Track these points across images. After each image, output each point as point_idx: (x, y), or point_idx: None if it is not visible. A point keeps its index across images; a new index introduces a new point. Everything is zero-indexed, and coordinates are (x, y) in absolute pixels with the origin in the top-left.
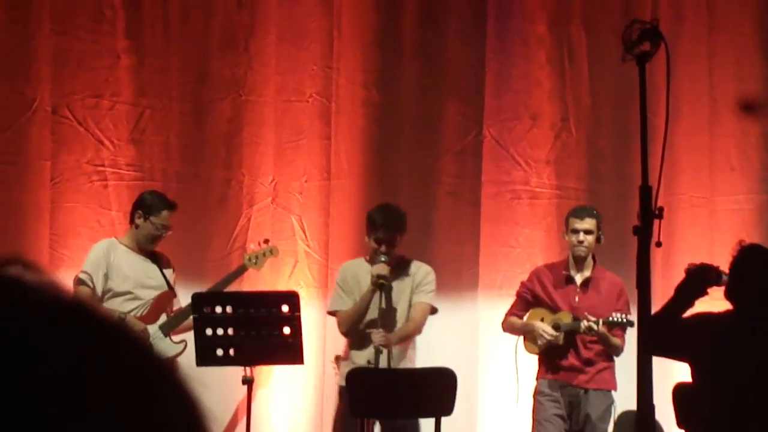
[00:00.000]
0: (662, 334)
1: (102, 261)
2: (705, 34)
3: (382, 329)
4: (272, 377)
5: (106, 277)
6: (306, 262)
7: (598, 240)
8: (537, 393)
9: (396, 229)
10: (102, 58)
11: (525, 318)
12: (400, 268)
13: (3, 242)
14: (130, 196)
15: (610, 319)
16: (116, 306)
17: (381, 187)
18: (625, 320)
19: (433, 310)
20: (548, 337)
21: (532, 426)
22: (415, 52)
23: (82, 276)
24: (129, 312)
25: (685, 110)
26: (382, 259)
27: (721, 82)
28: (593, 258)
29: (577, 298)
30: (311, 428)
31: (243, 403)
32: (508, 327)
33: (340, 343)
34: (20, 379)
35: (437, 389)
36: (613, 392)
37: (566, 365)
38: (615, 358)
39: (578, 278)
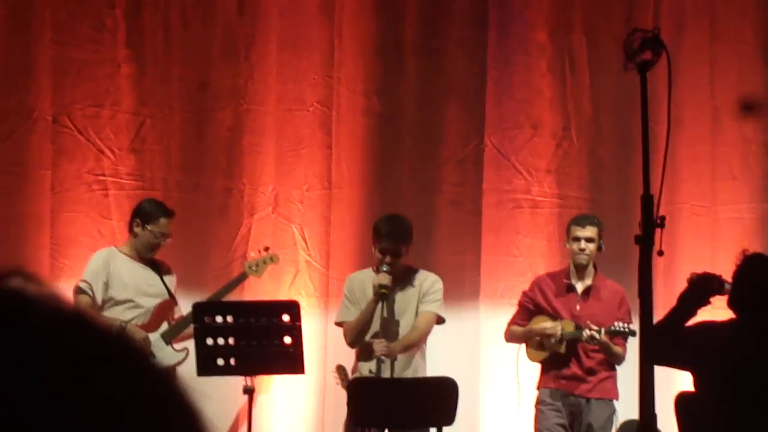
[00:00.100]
0: (665, 344)
1: (102, 270)
2: (706, 43)
3: (384, 339)
4: (273, 387)
5: (107, 285)
6: (307, 272)
7: (599, 248)
8: (539, 402)
9: (400, 239)
10: (103, 67)
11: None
12: (406, 277)
13: (3, 251)
14: (130, 206)
15: (612, 327)
16: (117, 314)
17: (382, 196)
18: (626, 329)
19: (440, 320)
20: (551, 331)
21: None
22: (415, 60)
23: (82, 285)
24: (130, 320)
25: (686, 119)
26: (385, 269)
27: (722, 91)
28: (594, 266)
29: (578, 307)
30: None
31: (244, 412)
32: (510, 336)
33: (341, 353)
34: (21, 390)
35: (439, 398)
36: (614, 401)
37: (568, 374)
38: (617, 367)
39: (579, 287)
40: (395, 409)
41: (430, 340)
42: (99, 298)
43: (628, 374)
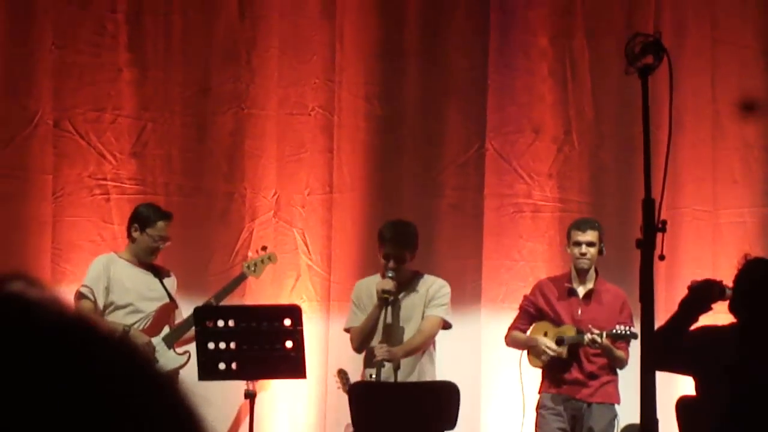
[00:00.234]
0: (666, 350)
1: (102, 275)
2: (707, 47)
3: (385, 344)
4: (274, 391)
5: (108, 290)
6: (308, 276)
7: (600, 252)
8: (540, 407)
9: (403, 244)
10: (104, 71)
11: (529, 332)
12: (412, 283)
13: (5, 256)
14: (132, 210)
15: (614, 331)
16: (119, 319)
17: (383, 201)
18: (628, 332)
19: (447, 325)
20: (551, 353)
21: None
22: (417, 64)
23: (84, 290)
24: (132, 325)
25: (687, 123)
26: (390, 274)
27: (723, 95)
28: (595, 270)
29: (579, 311)
30: None
31: (245, 416)
32: (511, 341)
33: (342, 357)
34: (25, 395)
35: (440, 403)
36: (616, 406)
37: (570, 379)
38: (618, 372)
39: (581, 291)
40: (397, 414)
41: None
42: (100, 303)
43: (629, 378)
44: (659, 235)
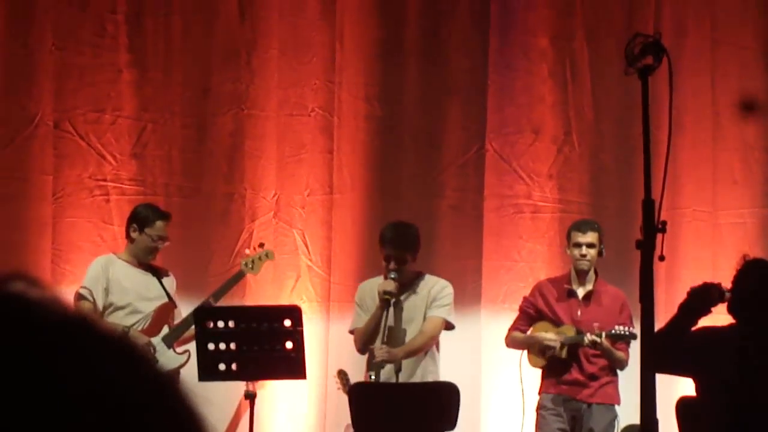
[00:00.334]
0: (666, 354)
1: (101, 276)
2: (707, 48)
3: (385, 345)
4: (275, 392)
5: (107, 291)
6: (308, 277)
7: (600, 253)
8: (540, 407)
9: (403, 246)
10: (104, 72)
11: (529, 332)
12: (414, 284)
13: (5, 257)
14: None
15: (613, 332)
16: (118, 320)
17: (383, 201)
18: (628, 333)
19: (449, 326)
20: (552, 344)
21: None
22: (417, 65)
23: (83, 291)
24: (131, 326)
25: (687, 124)
26: (392, 276)
27: (723, 96)
28: (595, 271)
29: (579, 312)
30: None
31: (245, 417)
32: (511, 342)
33: (342, 358)
34: (26, 393)
35: (440, 403)
36: (616, 406)
37: (569, 380)
38: (618, 372)
39: (580, 292)
40: (397, 414)
41: None
42: (100, 304)
43: (629, 379)
44: (659, 236)
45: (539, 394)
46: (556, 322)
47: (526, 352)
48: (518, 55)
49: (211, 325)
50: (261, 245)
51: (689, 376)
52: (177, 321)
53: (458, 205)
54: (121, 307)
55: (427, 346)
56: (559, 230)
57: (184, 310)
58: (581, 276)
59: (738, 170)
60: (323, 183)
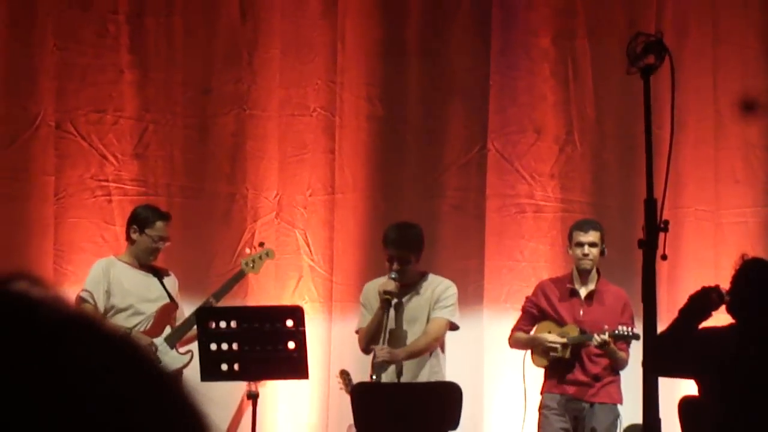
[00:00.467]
0: (666, 357)
1: (102, 278)
2: (709, 47)
3: (386, 345)
4: (277, 392)
5: (108, 293)
6: (310, 277)
7: (602, 253)
8: (542, 407)
9: (405, 246)
10: (105, 72)
11: (532, 332)
12: (418, 284)
13: (7, 257)
14: None
15: (616, 332)
16: (120, 322)
17: (385, 201)
18: (630, 333)
19: (454, 327)
20: (556, 345)
21: None
22: (419, 65)
23: (84, 294)
24: (133, 327)
25: (689, 123)
26: (394, 276)
27: (725, 95)
28: (597, 271)
29: (581, 311)
30: None
31: (248, 417)
32: (514, 342)
33: (344, 358)
34: (28, 394)
35: (442, 403)
36: (618, 406)
37: (572, 379)
38: (621, 372)
39: (582, 291)
40: (399, 414)
41: None
42: (101, 307)
43: (632, 379)
44: (661, 235)
45: (542, 393)
46: (559, 322)
47: (529, 351)
48: (520, 54)
49: (213, 325)
50: (261, 244)
51: (690, 378)
52: (179, 321)
53: (460, 205)
54: (123, 309)
55: (431, 348)
56: (561, 230)
57: (186, 310)
58: (583, 275)
59: (740, 169)
60: (325, 183)
